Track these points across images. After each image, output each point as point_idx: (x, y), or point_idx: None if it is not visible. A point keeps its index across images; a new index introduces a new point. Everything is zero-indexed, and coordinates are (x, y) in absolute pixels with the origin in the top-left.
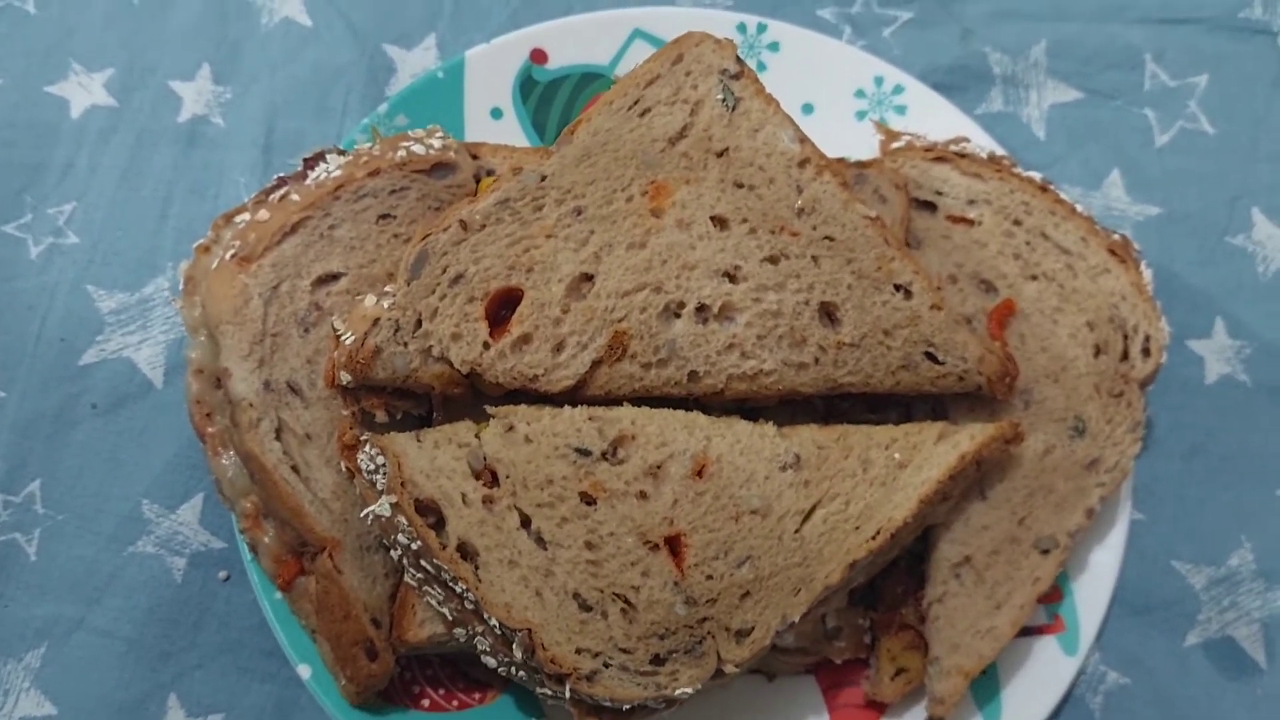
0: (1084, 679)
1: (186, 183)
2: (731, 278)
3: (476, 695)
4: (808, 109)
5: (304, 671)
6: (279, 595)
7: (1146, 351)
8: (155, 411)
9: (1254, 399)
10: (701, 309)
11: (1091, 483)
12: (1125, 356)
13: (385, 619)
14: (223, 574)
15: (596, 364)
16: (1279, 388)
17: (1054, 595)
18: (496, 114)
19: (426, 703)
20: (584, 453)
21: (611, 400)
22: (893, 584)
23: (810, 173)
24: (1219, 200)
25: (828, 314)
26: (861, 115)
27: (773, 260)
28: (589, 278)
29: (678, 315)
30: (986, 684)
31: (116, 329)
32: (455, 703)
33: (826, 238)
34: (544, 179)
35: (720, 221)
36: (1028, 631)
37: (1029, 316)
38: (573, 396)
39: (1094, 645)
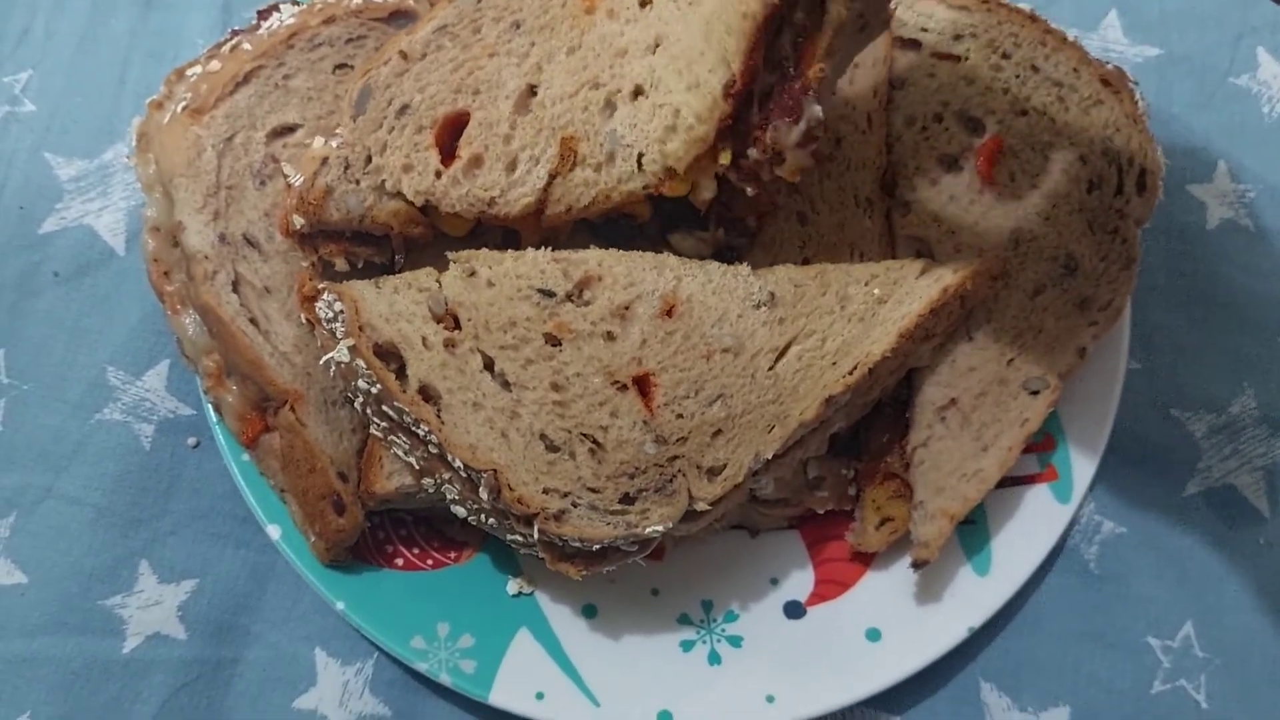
0: (1079, 529)
1: (145, 46)
2: (658, 46)
3: (452, 554)
4: None
5: (274, 532)
6: (246, 457)
7: (1142, 186)
8: (118, 278)
9: (1257, 244)
10: (636, 90)
11: (1084, 321)
12: (1120, 191)
13: (353, 474)
14: (192, 440)
15: (552, 177)
16: None
17: (1046, 444)
18: None
19: (400, 561)
20: (548, 294)
21: (568, 246)
22: (877, 433)
23: None
24: (1222, 39)
25: None
26: None
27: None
28: (533, 90)
29: (616, 106)
30: (975, 534)
31: (76, 196)
32: (430, 561)
33: None
34: (480, 0)
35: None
36: (1019, 481)
37: (1019, 153)
38: (536, 224)
39: (1089, 495)
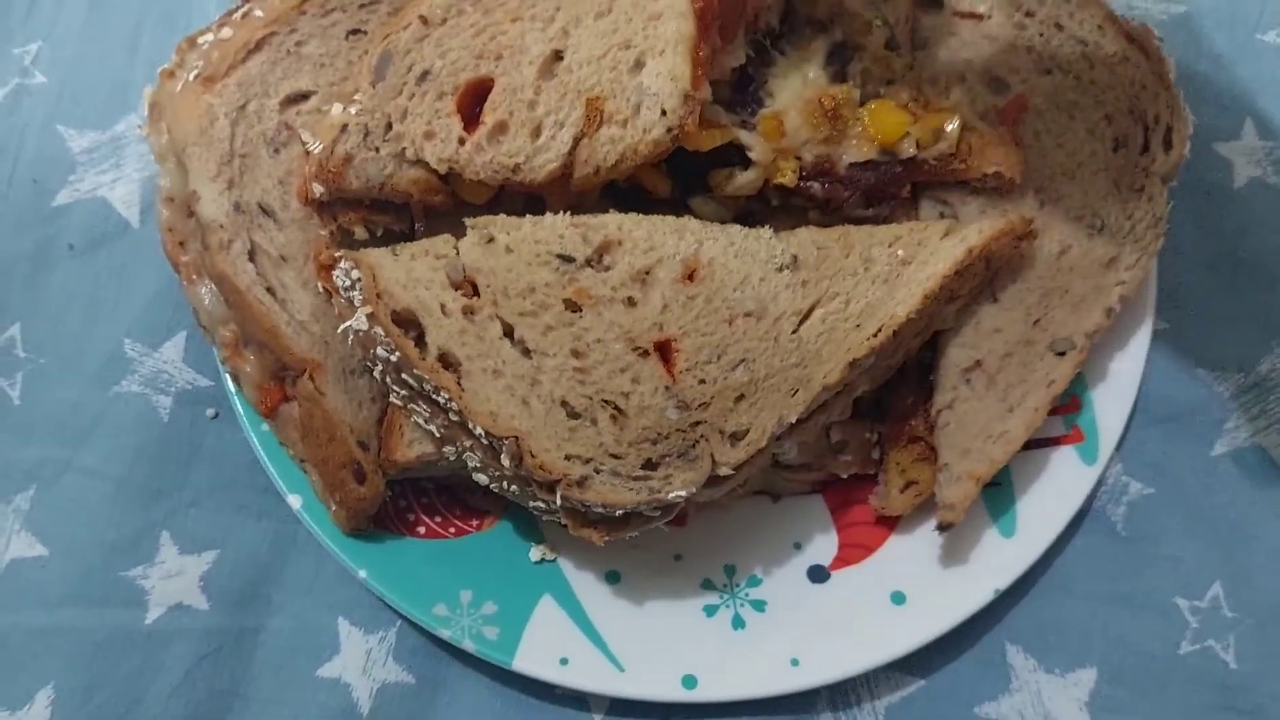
0: (1105, 490)
1: (157, 12)
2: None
3: (474, 522)
4: None
5: (295, 501)
6: (266, 427)
7: (1168, 144)
8: (133, 250)
9: None
10: (665, 50)
11: (1111, 281)
12: (1146, 149)
13: (373, 442)
14: (211, 411)
15: (577, 140)
16: None
17: (1071, 406)
18: None
19: (422, 530)
20: (567, 259)
21: (598, 208)
22: (901, 396)
23: None
24: None
25: None
26: None
27: None
28: (559, 55)
29: (645, 64)
30: (1001, 496)
31: (90, 168)
32: (452, 529)
33: None
34: None
35: None
36: (1044, 443)
37: (1043, 113)
38: (563, 189)
39: (1115, 456)
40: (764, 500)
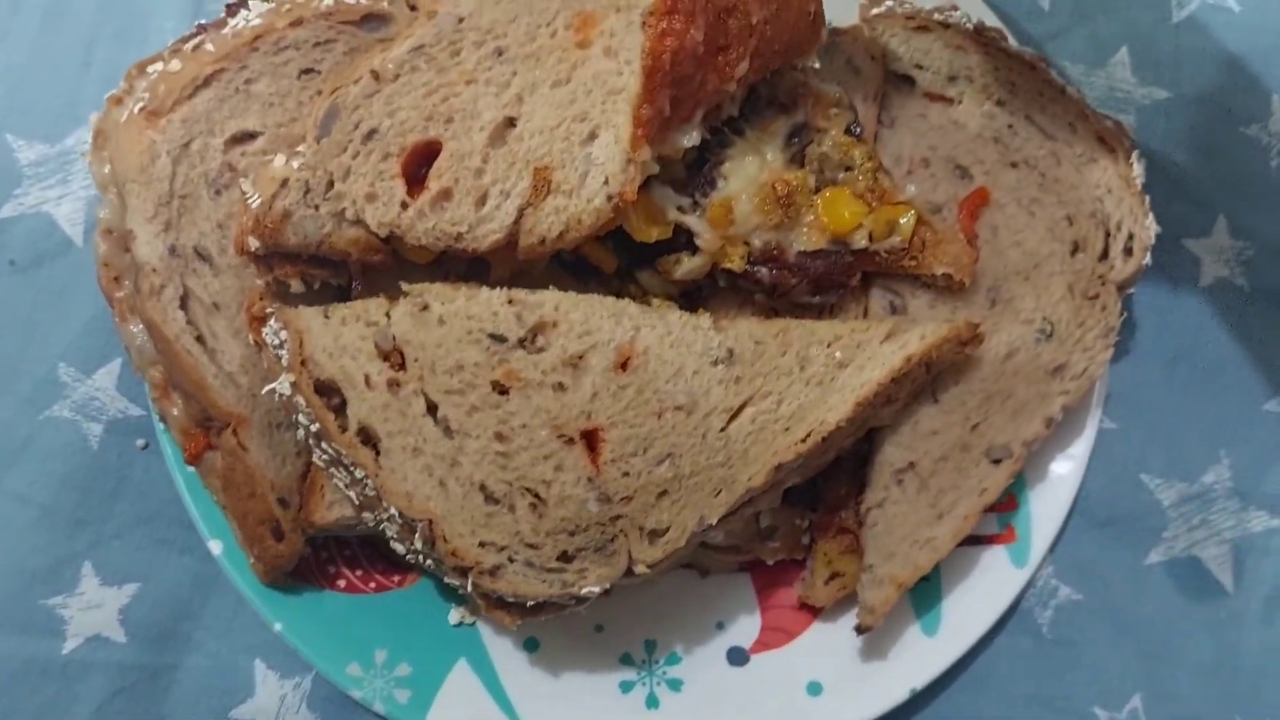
0: (1034, 592)
1: (112, 26)
2: None
3: (395, 578)
4: None
5: (215, 547)
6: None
7: (1129, 251)
8: (74, 271)
9: (1250, 305)
10: (620, 124)
11: (1055, 390)
12: (1105, 256)
13: (295, 498)
14: (140, 442)
15: (522, 210)
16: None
17: (1008, 504)
18: None
19: (343, 583)
20: (499, 339)
21: (537, 281)
22: (835, 485)
23: None
24: (1236, 85)
25: None
26: None
27: None
28: (512, 122)
29: (598, 135)
30: (927, 593)
31: (35, 182)
32: (373, 584)
33: None
34: (461, 20)
35: None
36: (976, 540)
37: (1004, 207)
38: (508, 256)
39: (1047, 557)
40: (691, 574)
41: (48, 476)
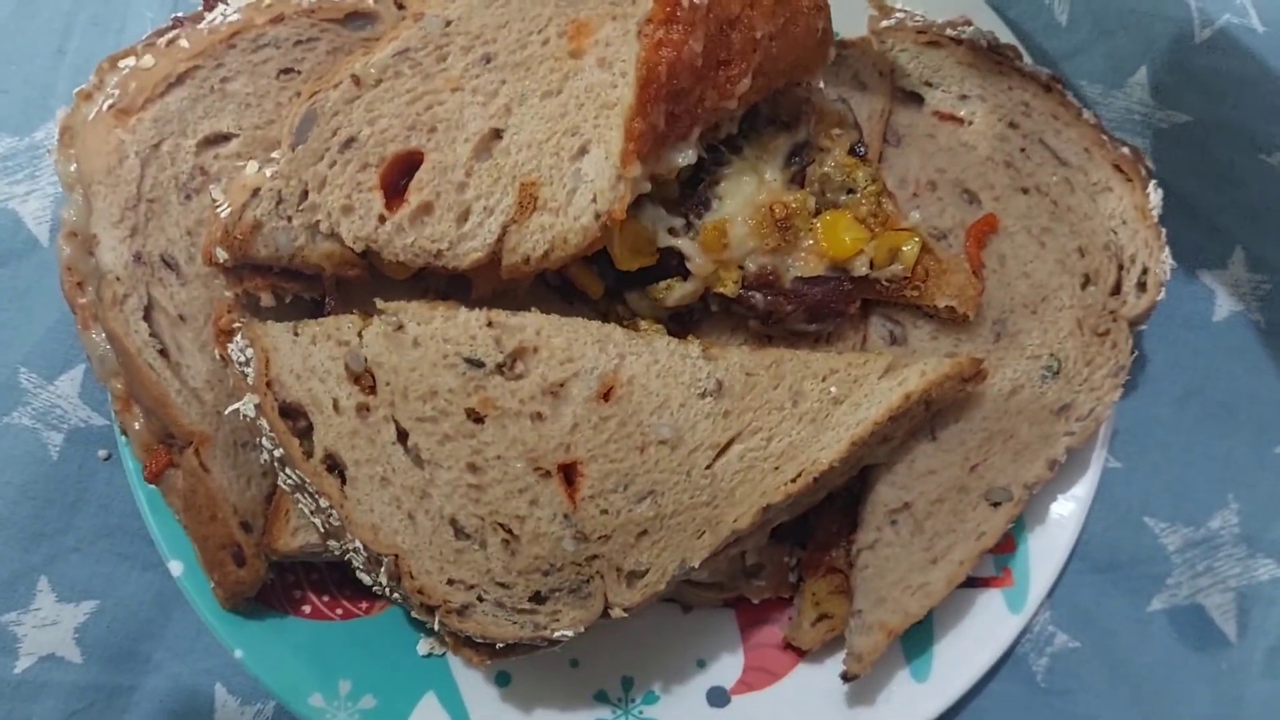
0: (1030, 638)
1: (88, 14)
2: None
3: (363, 605)
4: None
5: (175, 568)
6: None
7: (1142, 286)
8: (39, 272)
9: (1266, 341)
10: (612, 139)
11: (1059, 430)
12: (1117, 290)
13: (259, 522)
14: (103, 453)
15: (506, 228)
16: None
17: (1005, 545)
18: None
19: (308, 609)
20: (476, 364)
21: (519, 300)
22: (826, 522)
23: None
24: (1258, 109)
25: None
26: None
27: None
28: (498, 134)
29: (589, 151)
30: (918, 637)
31: (2, 176)
32: (339, 611)
33: None
34: (449, 24)
35: None
36: (971, 583)
37: (1013, 235)
38: (490, 275)
39: (1044, 603)
40: (673, 609)
41: (4, 487)
